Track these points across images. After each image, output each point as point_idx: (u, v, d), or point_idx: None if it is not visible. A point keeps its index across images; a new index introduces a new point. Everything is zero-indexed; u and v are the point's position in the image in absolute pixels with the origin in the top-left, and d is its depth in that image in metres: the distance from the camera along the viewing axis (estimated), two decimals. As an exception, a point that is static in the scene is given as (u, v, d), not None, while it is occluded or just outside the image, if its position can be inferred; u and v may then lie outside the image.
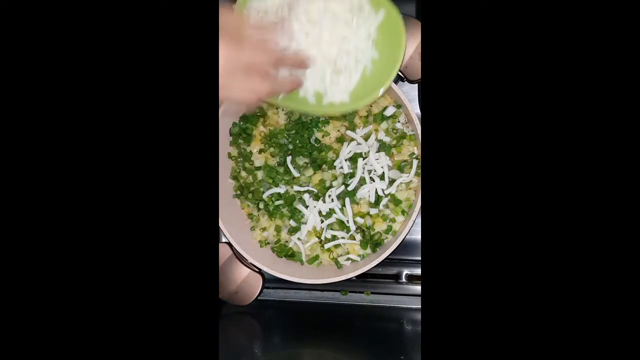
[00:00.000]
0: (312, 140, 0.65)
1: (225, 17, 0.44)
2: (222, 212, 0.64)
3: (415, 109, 0.64)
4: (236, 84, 0.45)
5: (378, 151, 0.64)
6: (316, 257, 0.66)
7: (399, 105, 0.64)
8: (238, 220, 0.68)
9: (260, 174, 0.66)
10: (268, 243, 0.68)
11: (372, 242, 0.64)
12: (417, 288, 0.71)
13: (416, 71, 0.63)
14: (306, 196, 0.65)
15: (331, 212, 0.65)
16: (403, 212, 0.64)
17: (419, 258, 0.70)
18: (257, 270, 0.67)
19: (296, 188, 0.65)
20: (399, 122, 0.65)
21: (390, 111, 0.64)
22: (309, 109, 0.57)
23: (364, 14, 0.54)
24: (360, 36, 0.54)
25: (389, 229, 0.64)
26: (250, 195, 0.67)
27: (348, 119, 0.64)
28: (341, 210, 0.64)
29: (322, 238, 0.65)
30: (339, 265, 0.65)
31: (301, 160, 0.65)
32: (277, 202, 0.66)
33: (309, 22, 0.53)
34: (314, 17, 0.53)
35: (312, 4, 0.53)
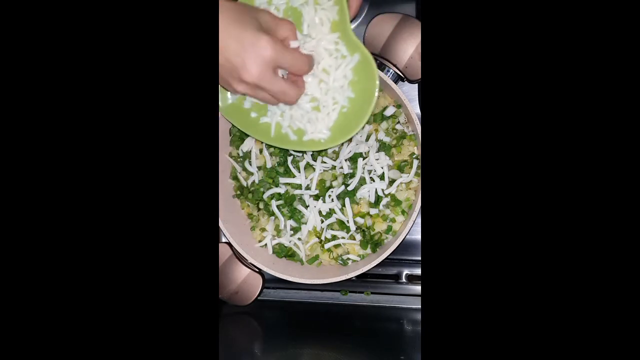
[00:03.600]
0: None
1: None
2: (222, 212, 0.64)
3: (415, 109, 0.64)
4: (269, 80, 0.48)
5: (378, 151, 0.64)
6: (316, 257, 0.66)
7: (399, 105, 0.64)
8: (238, 220, 0.68)
9: (260, 174, 0.66)
10: (268, 243, 0.68)
11: (372, 242, 0.64)
12: (417, 288, 0.70)
13: (416, 71, 0.63)
14: (306, 196, 0.65)
15: (331, 212, 0.64)
16: (403, 212, 0.64)
17: (419, 258, 0.70)
18: (257, 270, 0.67)
19: (297, 192, 0.65)
20: (399, 122, 0.65)
21: (390, 111, 0.64)
22: (291, 145, 0.60)
23: (340, 58, 0.57)
24: (337, 77, 0.57)
25: (389, 229, 0.64)
26: (250, 195, 0.67)
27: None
28: (341, 210, 0.64)
29: (322, 238, 0.65)
30: (345, 263, 0.65)
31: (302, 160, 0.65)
32: (277, 202, 0.66)
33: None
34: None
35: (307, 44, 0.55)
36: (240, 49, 0.45)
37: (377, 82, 0.56)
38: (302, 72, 0.53)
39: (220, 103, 0.62)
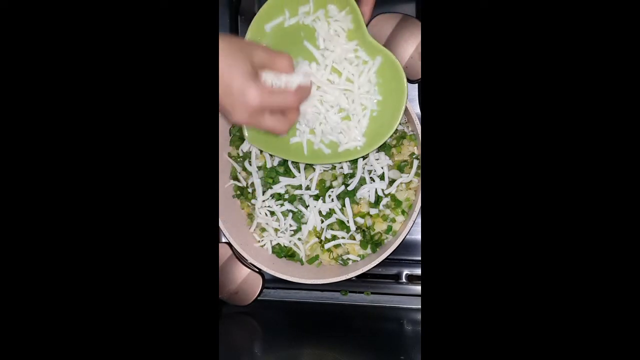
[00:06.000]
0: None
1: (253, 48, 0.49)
2: (222, 212, 0.64)
3: (415, 109, 0.64)
4: (259, 117, 0.49)
5: (378, 151, 0.64)
6: (316, 257, 0.66)
7: (398, 106, 0.64)
8: (238, 220, 0.68)
9: (260, 174, 0.66)
10: (268, 243, 0.68)
11: (372, 242, 0.64)
12: (417, 288, 0.70)
13: (416, 71, 0.63)
14: (306, 196, 0.65)
15: (331, 212, 0.64)
16: (403, 212, 0.64)
17: (419, 258, 0.70)
18: (257, 270, 0.67)
19: (297, 192, 0.65)
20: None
21: (390, 111, 0.64)
22: (328, 159, 0.60)
23: (362, 64, 0.57)
24: (362, 84, 0.57)
25: (389, 229, 0.64)
26: (250, 195, 0.67)
27: None
28: (341, 210, 0.64)
29: (322, 238, 0.65)
30: (345, 263, 0.65)
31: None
32: (277, 202, 0.66)
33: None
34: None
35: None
36: (229, 96, 0.47)
37: (405, 80, 0.55)
38: (293, 107, 0.52)
39: (245, 132, 0.61)
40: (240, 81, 0.46)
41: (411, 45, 0.63)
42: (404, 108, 0.56)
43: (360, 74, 0.57)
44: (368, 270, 0.62)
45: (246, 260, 0.65)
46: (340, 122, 0.58)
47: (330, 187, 0.64)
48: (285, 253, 0.67)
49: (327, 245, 0.65)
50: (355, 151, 0.59)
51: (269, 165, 0.66)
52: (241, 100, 0.46)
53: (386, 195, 0.64)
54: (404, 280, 0.71)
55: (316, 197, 0.65)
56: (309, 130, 0.59)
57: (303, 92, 0.53)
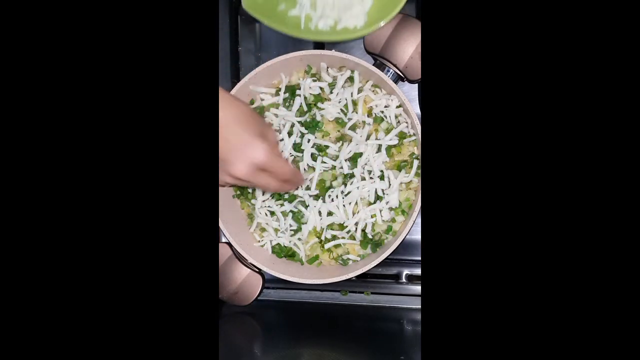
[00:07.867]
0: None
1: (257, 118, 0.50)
2: (222, 212, 0.64)
3: (415, 109, 0.64)
4: (258, 176, 0.50)
5: (378, 151, 0.64)
6: (316, 257, 0.66)
7: (399, 106, 0.64)
8: (238, 220, 0.68)
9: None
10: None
11: (372, 242, 0.64)
12: (417, 288, 0.70)
13: (416, 71, 0.63)
14: (306, 196, 0.65)
15: (331, 212, 0.64)
16: (403, 212, 0.64)
17: (419, 258, 0.70)
18: (257, 270, 0.67)
19: (297, 192, 0.65)
20: (399, 122, 0.65)
21: (390, 111, 0.64)
22: (325, 36, 0.58)
23: None
24: None
25: (389, 229, 0.64)
26: (250, 195, 0.67)
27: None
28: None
29: (322, 238, 0.65)
30: (345, 263, 0.65)
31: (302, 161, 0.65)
32: (277, 202, 0.66)
33: None
34: None
35: None
36: (235, 148, 0.48)
37: None
38: (285, 179, 0.53)
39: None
40: (249, 137, 0.47)
41: (411, 45, 0.63)
42: None
43: None
44: (368, 270, 0.62)
45: (246, 260, 0.65)
46: None
47: (330, 187, 0.64)
48: (285, 253, 0.67)
49: (327, 245, 0.65)
50: (354, 30, 0.57)
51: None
52: (247, 153, 0.47)
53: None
54: (404, 280, 0.71)
55: (316, 197, 0.65)
56: (310, 3, 0.57)
57: (298, 174, 0.56)
